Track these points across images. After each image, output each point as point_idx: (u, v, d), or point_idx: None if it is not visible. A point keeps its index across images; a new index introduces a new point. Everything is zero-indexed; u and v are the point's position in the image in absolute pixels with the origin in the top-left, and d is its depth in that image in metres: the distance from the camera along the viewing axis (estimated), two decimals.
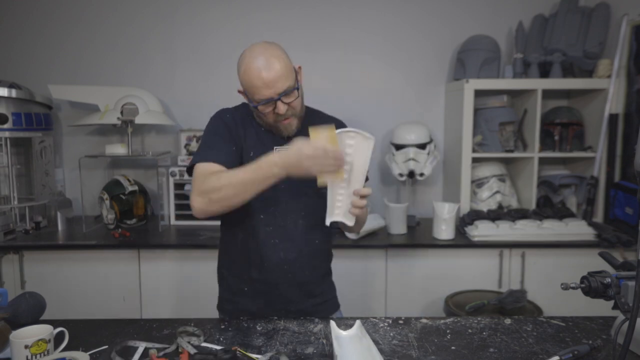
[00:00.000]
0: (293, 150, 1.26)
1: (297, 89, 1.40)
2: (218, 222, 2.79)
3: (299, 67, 1.46)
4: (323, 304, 1.57)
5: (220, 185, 1.30)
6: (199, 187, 1.33)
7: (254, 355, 1.20)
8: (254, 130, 1.47)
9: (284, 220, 1.47)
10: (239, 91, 1.44)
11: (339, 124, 1.55)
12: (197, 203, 1.33)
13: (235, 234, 1.52)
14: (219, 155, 1.38)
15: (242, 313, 1.52)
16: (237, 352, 1.19)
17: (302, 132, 1.43)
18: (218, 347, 1.23)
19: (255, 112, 1.44)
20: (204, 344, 1.26)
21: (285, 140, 1.44)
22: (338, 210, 1.37)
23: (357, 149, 1.32)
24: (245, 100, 1.45)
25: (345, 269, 2.47)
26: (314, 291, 1.55)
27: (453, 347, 1.26)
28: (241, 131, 1.46)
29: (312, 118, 1.53)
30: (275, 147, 1.44)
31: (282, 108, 1.37)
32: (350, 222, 1.37)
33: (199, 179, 1.34)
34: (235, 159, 1.41)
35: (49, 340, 1.14)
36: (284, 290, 1.50)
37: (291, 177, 1.29)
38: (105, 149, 2.80)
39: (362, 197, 1.33)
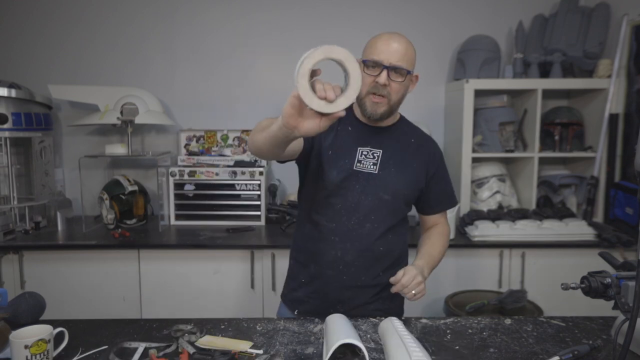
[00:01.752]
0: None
1: (409, 73, 1.40)
2: (218, 222, 2.79)
3: (417, 76, 1.47)
4: (378, 311, 1.51)
5: (257, 142, 1.27)
6: (252, 134, 1.33)
7: (254, 351, 1.20)
8: (341, 129, 1.47)
9: (349, 219, 1.45)
10: (357, 60, 1.39)
11: (434, 143, 1.59)
12: (249, 145, 1.33)
13: (304, 224, 1.54)
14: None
15: (296, 303, 1.54)
16: (235, 355, 1.19)
17: (388, 140, 1.47)
18: (213, 349, 1.23)
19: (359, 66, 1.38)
20: (202, 345, 1.25)
21: (369, 141, 1.46)
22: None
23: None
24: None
25: None
26: (369, 297, 1.51)
27: (453, 347, 1.26)
28: (325, 133, 1.40)
29: (410, 128, 1.56)
30: (358, 148, 1.45)
31: (383, 77, 1.37)
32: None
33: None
34: (304, 141, 1.40)
35: (49, 341, 1.14)
36: (335, 290, 1.48)
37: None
38: (105, 149, 2.80)
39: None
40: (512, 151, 2.81)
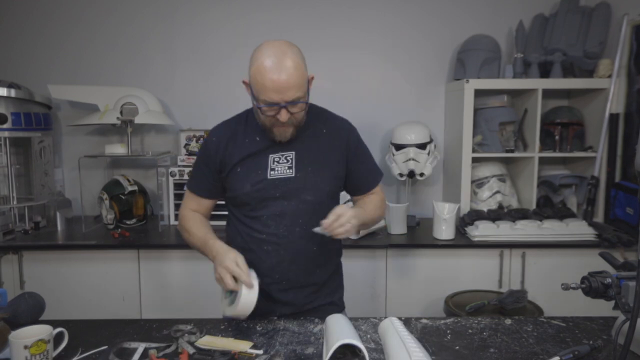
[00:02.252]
0: (215, 250, 1.39)
1: (306, 103, 1.37)
2: (218, 222, 2.79)
3: (312, 77, 1.41)
4: (318, 308, 1.54)
5: (185, 237, 1.55)
6: (180, 215, 1.58)
7: (254, 351, 1.20)
8: (249, 140, 1.45)
9: (278, 228, 1.44)
10: (244, 82, 1.41)
11: (345, 124, 1.54)
12: (178, 223, 1.60)
13: (235, 236, 1.53)
14: (198, 187, 1.54)
15: None
16: (235, 356, 1.19)
17: (299, 138, 1.44)
18: (213, 349, 1.23)
19: (254, 109, 1.41)
20: (202, 345, 1.25)
21: (279, 146, 1.44)
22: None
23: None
24: (247, 92, 1.41)
25: (346, 269, 2.45)
26: (310, 294, 1.52)
27: (453, 347, 1.26)
28: (231, 151, 1.45)
29: (318, 117, 1.51)
30: (270, 155, 1.43)
31: (284, 116, 1.33)
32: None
33: (182, 207, 1.58)
34: (214, 188, 1.52)
35: (49, 341, 1.14)
36: (277, 293, 1.48)
37: (285, 197, 1.42)
38: (104, 148, 2.80)
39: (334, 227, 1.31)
40: (512, 151, 2.80)
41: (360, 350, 1.12)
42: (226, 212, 1.57)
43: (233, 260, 1.32)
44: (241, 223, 1.50)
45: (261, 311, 1.42)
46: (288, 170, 1.43)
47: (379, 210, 1.57)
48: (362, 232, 2.50)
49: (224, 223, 1.61)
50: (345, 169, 1.50)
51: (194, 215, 1.54)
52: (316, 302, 1.53)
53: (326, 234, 1.34)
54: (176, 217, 2.76)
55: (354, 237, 2.49)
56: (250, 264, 1.45)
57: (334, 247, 1.57)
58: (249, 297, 1.30)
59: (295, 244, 1.44)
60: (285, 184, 1.42)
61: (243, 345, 1.23)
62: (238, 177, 1.44)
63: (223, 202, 1.56)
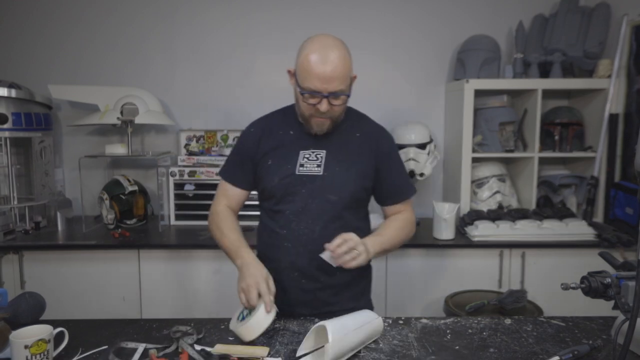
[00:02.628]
0: (244, 262, 1.37)
1: (348, 95, 1.39)
2: (247, 223, 2.76)
3: (355, 77, 1.44)
4: (340, 312, 1.47)
5: (215, 235, 1.53)
6: (211, 210, 1.56)
7: (254, 356, 1.20)
8: (283, 133, 1.48)
9: (299, 224, 1.45)
10: (289, 71, 1.43)
11: (380, 130, 1.56)
12: (208, 220, 1.57)
13: (262, 231, 1.56)
14: (233, 177, 1.55)
15: None
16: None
17: (332, 138, 1.46)
18: (214, 349, 1.23)
19: (296, 97, 1.43)
20: (202, 346, 1.25)
21: (312, 143, 1.46)
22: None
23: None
24: (290, 83, 1.43)
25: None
26: (329, 297, 1.50)
27: (453, 347, 1.26)
28: (264, 142, 1.48)
29: (356, 121, 1.54)
30: (301, 151, 1.45)
31: (324, 106, 1.35)
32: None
33: (214, 202, 1.58)
34: (248, 178, 1.53)
35: (49, 341, 1.14)
36: (295, 294, 1.48)
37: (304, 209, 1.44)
38: (105, 149, 2.80)
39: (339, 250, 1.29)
40: (512, 151, 2.81)
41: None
42: (255, 212, 1.61)
43: (265, 277, 1.31)
44: (267, 217, 1.52)
45: (281, 311, 1.42)
46: (317, 168, 1.44)
47: (403, 232, 1.52)
48: None
49: (250, 223, 1.63)
50: (374, 175, 1.50)
51: (229, 215, 1.53)
52: (337, 306, 1.49)
53: (333, 264, 1.32)
54: (176, 217, 2.77)
55: None
56: (272, 259, 1.48)
57: None
58: (262, 320, 1.25)
59: (315, 242, 1.42)
60: (312, 181, 1.43)
61: (260, 351, 1.21)
62: (268, 169, 1.46)
63: (255, 203, 1.58)
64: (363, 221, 1.56)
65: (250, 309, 1.29)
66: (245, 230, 1.54)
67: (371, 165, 1.49)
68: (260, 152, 1.48)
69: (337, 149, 1.47)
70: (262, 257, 1.53)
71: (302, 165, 1.44)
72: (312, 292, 1.48)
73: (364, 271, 1.58)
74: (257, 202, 1.58)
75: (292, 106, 1.53)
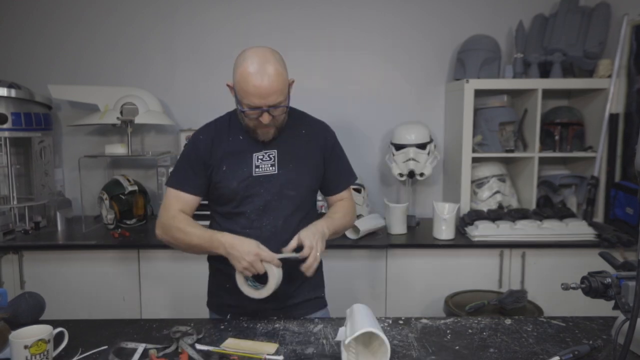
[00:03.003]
0: (228, 243, 1.39)
1: (287, 106, 1.44)
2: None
3: (292, 82, 1.49)
4: (303, 303, 1.58)
5: (177, 238, 1.48)
6: (163, 219, 1.50)
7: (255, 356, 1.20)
8: (233, 139, 1.51)
9: (261, 222, 1.49)
10: (228, 85, 1.48)
11: (323, 126, 1.61)
12: (158, 232, 1.52)
13: (220, 231, 1.53)
14: (185, 184, 1.52)
15: (226, 308, 1.55)
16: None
17: (280, 138, 1.50)
18: (214, 350, 1.23)
19: (238, 112, 1.48)
20: (202, 346, 1.25)
21: (262, 145, 1.50)
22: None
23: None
24: (231, 94, 1.48)
25: (345, 268, 2.47)
26: (293, 290, 1.54)
27: (453, 347, 1.26)
28: (216, 149, 1.50)
29: (298, 119, 1.58)
30: (254, 154, 1.49)
31: (266, 119, 1.40)
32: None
33: (164, 210, 1.52)
34: (200, 184, 1.52)
35: (49, 341, 1.14)
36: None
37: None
38: (105, 149, 2.80)
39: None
40: (512, 151, 2.81)
41: (383, 341, 1.12)
42: (205, 212, 1.61)
43: (257, 246, 1.36)
44: (225, 220, 1.54)
45: (244, 309, 1.48)
46: (271, 168, 1.49)
47: (348, 217, 1.62)
48: (362, 232, 2.50)
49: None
50: (323, 168, 1.58)
51: (184, 216, 1.51)
52: (300, 297, 1.57)
53: (298, 258, 1.39)
54: None
55: (353, 237, 2.49)
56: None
57: None
58: (279, 276, 1.37)
59: (277, 236, 1.47)
60: (269, 180, 1.49)
61: (268, 348, 1.23)
62: (225, 174, 1.49)
63: (205, 202, 1.57)
64: (314, 206, 1.64)
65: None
66: None
67: (321, 160, 1.57)
68: (213, 159, 1.50)
69: (287, 147, 1.52)
70: (219, 257, 1.52)
71: (257, 167, 1.49)
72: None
73: (320, 263, 1.63)
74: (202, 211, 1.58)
75: (235, 113, 1.56)
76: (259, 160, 1.49)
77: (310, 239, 1.39)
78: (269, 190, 1.48)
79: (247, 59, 1.41)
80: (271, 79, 1.37)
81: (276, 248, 1.44)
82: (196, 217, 1.56)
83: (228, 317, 1.53)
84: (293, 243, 1.40)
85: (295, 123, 1.56)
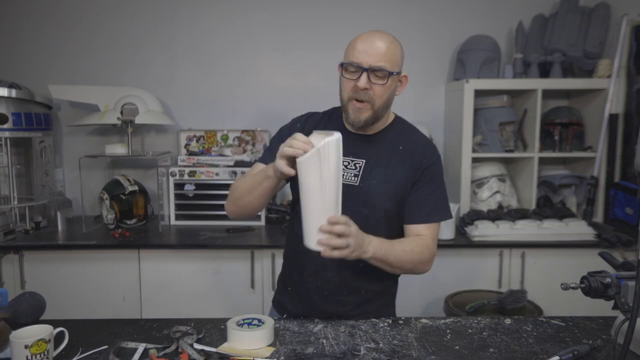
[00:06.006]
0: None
1: (390, 74, 1.31)
2: (218, 222, 2.78)
3: (405, 76, 1.42)
4: (365, 314, 1.47)
5: (235, 186, 1.40)
6: (229, 190, 1.43)
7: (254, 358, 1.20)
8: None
9: None
10: (339, 65, 1.39)
11: (425, 145, 1.45)
12: (225, 205, 1.44)
13: (290, 233, 1.52)
14: (269, 157, 1.40)
15: (283, 308, 1.53)
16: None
17: (372, 148, 1.39)
18: (214, 350, 1.23)
19: (340, 80, 1.38)
20: (202, 346, 1.25)
21: (353, 151, 1.37)
22: (310, 233, 1.18)
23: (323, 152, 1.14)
24: (337, 78, 1.40)
25: None
26: (351, 309, 1.45)
27: (453, 347, 1.26)
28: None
29: (401, 133, 1.45)
30: (314, 130, 1.32)
31: (363, 81, 1.30)
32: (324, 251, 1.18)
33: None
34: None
35: (49, 340, 1.14)
36: (317, 302, 1.45)
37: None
38: (105, 149, 2.80)
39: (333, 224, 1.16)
40: (512, 151, 2.81)
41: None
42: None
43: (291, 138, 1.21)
44: (298, 223, 1.36)
45: (303, 314, 1.44)
46: (353, 178, 1.38)
47: (415, 256, 1.36)
48: None
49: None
50: (408, 191, 1.40)
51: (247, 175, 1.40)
52: (361, 309, 1.47)
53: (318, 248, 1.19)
54: (176, 217, 2.77)
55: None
56: (298, 265, 1.46)
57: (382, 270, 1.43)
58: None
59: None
60: (347, 190, 1.29)
61: (263, 352, 1.21)
62: None
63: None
64: (391, 235, 1.39)
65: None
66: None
67: (409, 182, 1.40)
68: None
69: (378, 159, 1.40)
70: (289, 259, 1.53)
71: None
72: (333, 304, 1.44)
73: (390, 286, 1.55)
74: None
75: (339, 108, 1.47)
76: (343, 167, 1.33)
77: (350, 229, 1.18)
78: (344, 201, 1.26)
79: (365, 32, 1.35)
80: (381, 41, 1.30)
81: (338, 267, 1.38)
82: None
83: (284, 316, 1.50)
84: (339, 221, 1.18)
85: (396, 136, 1.43)
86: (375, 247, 1.26)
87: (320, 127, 1.44)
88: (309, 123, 1.48)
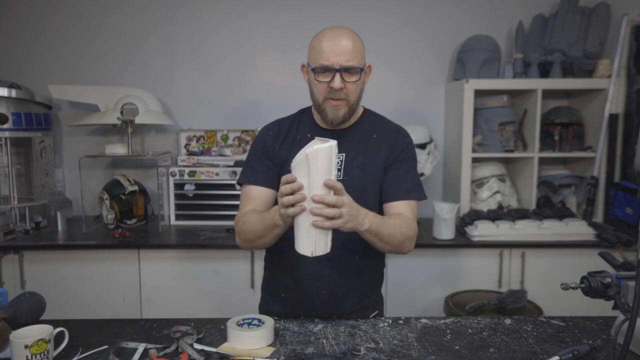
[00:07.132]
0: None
1: (361, 70, 1.36)
2: (218, 222, 2.77)
3: (370, 66, 1.45)
4: (355, 312, 1.49)
5: (242, 227, 1.40)
6: (236, 227, 1.43)
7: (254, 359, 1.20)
8: (300, 138, 1.43)
9: None
10: (302, 65, 1.42)
11: (398, 129, 1.50)
12: (237, 241, 1.45)
13: (283, 239, 1.45)
14: (256, 178, 1.45)
15: (277, 315, 1.50)
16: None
17: (350, 142, 1.42)
18: (214, 350, 1.23)
19: (310, 84, 1.39)
20: (202, 346, 1.25)
21: (328, 132, 1.40)
22: (303, 239, 1.18)
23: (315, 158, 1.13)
24: (304, 77, 1.42)
25: None
26: (351, 305, 1.47)
27: (453, 347, 1.26)
28: (285, 145, 1.44)
29: (374, 123, 1.49)
30: (315, 137, 1.30)
31: (338, 82, 1.32)
32: (322, 250, 1.18)
33: (237, 216, 1.45)
34: (271, 177, 1.44)
35: (49, 340, 1.14)
36: (317, 303, 1.45)
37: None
38: (105, 149, 2.80)
39: (322, 203, 1.13)
40: (512, 151, 2.81)
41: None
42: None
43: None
44: (290, 227, 1.37)
45: (298, 315, 1.44)
46: (337, 172, 1.35)
47: (404, 230, 1.36)
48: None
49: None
50: (384, 174, 1.44)
51: (252, 212, 1.41)
52: (356, 315, 1.48)
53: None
54: (176, 217, 2.77)
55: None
56: (293, 269, 1.45)
57: (375, 258, 1.53)
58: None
59: (337, 249, 1.31)
60: None
61: (263, 352, 1.21)
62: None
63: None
64: None
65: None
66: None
67: (384, 164, 1.44)
68: (277, 157, 1.44)
69: (356, 151, 1.43)
70: (277, 265, 1.52)
71: None
72: (334, 300, 1.46)
73: (380, 279, 1.59)
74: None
75: (309, 108, 1.50)
76: None
77: (343, 199, 1.15)
78: None
79: (325, 29, 1.37)
80: (347, 39, 1.32)
81: (334, 263, 1.40)
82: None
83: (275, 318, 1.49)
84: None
85: (369, 127, 1.47)
86: (371, 220, 1.26)
87: (293, 129, 1.47)
88: (282, 128, 1.49)
